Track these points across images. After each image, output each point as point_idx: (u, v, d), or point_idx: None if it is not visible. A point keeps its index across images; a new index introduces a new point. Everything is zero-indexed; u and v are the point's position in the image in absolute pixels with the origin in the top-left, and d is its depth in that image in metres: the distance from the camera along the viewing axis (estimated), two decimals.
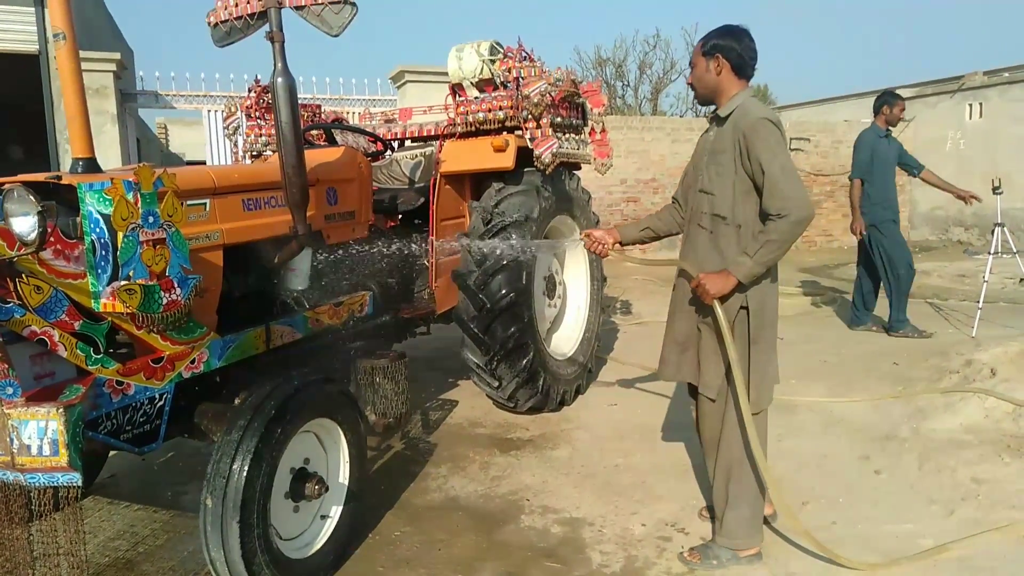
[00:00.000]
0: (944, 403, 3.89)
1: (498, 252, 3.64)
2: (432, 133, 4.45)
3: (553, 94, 3.97)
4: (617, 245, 2.96)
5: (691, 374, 2.74)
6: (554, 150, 3.92)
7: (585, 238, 2.99)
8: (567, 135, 4.20)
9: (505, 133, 4.02)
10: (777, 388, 4.47)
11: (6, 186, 2.10)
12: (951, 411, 3.79)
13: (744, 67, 2.57)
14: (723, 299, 2.51)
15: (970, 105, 12.63)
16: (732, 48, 2.54)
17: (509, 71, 3.95)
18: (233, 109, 4.65)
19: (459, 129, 4.11)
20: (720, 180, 2.54)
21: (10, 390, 1.94)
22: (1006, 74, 12.51)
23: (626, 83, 20.81)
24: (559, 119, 4.09)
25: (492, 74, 4.27)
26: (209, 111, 9.00)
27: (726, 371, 2.60)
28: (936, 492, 3.11)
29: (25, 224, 2.04)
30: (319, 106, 5.01)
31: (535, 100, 3.82)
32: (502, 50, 4.26)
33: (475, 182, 4.28)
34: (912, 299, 7.56)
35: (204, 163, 8.83)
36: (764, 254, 2.40)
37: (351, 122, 5.21)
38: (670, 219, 2.91)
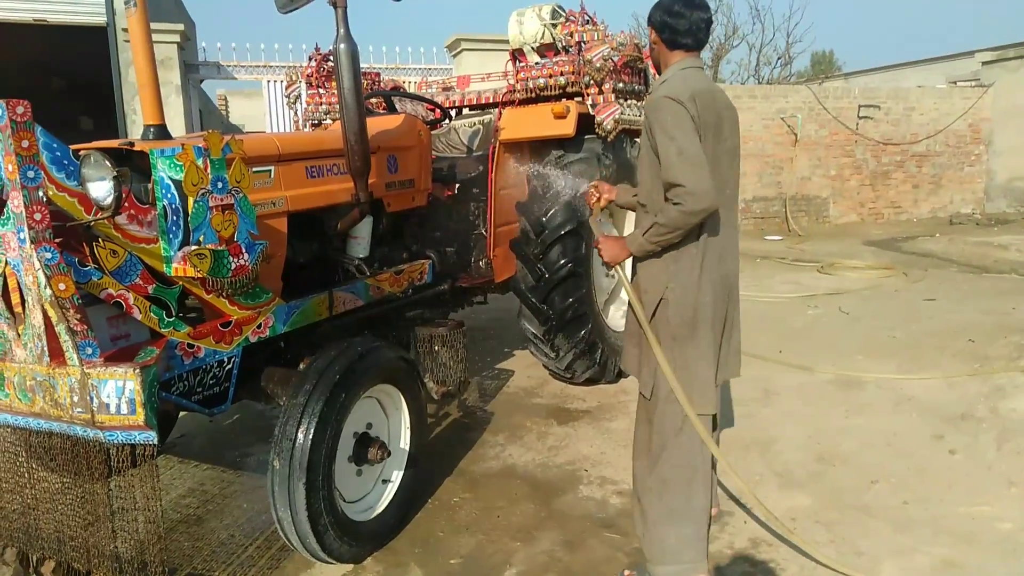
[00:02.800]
0: None
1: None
2: (491, 100, 4.39)
3: (616, 59, 3.86)
4: (613, 204, 2.67)
5: (636, 368, 2.44)
6: (616, 116, 3.83)
7: (591, 187, 2.69)
8: (629, 101, 4.09)
9: (566, 99, 3.94)
10: (844, 363, 4.41)
11: (82, 152, 2.15)
12: None
13: (674, 37, 2.28)
14: (643, 286, 2.32)
15: None
16: (655, 16, 2.31)
17: (571, 35, 3.87)
18: (294, 78, 4.68)
19: (519, 96, 4.05)
20: (641, 167, 2.35)
21: (89, 350, 2.00)
22: None
23: None
24: (621, 84, 3.98)
25: (553, 39, 4.18)
26: (269, 81, 9.11)
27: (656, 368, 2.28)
28: (1016, 474, 2.97)
29: (101, 189, 2.09)
30: (378, 74, 5.01)
31: (597, 65, 3.73)
32: (564, 14, 4.16)
33: (535, 150, 4.22)
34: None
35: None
36: (652, 235, 2.19)
37: (409, 91, 5.19)
38: None
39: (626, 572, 2.47)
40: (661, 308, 2.27)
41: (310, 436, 2.29)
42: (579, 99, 3.92)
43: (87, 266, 2.08)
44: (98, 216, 2.13)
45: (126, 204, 2.17)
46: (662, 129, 2.16)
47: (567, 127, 3.83)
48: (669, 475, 2.28)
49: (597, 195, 2.64)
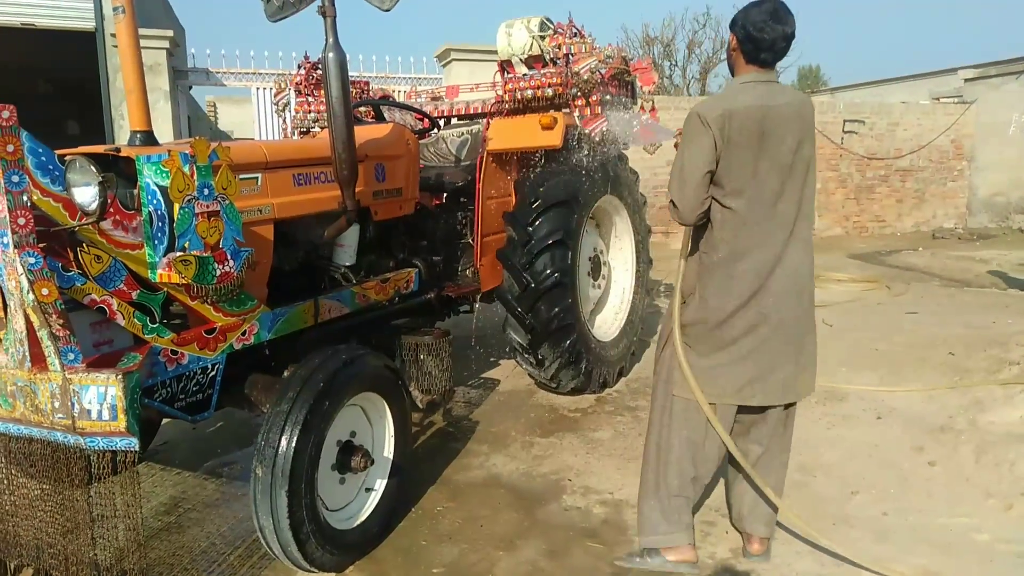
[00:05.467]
0: (1004, 395, 3.75)
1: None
2: (479, 111, 4.42)
3: (603, 71, 3.90)
4: None
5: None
6: (603, 128, 3.86)
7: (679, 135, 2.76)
8: (616, 113, 4.13)
9: (553, 111, 3.97)
10: (827, 375, 4.45)
11: (68, 157, 2.15)
12: (1011, 403, 3.65)
13: (754, 52, 2.29)
14: (684, 276, 2.52)
15: None
16: (739, 27, 2.31)
17: (559, 47, 3.89)
18: (283, 85, 4.69)
19: (507, 106, 4.07)
20: None
21: (71, 356, 1.99)
22: None
23: (674, 63, 20.43)
24: (609, 97, 4.02)
25: (541, 50, 4.22)
26: (258, 88, 9.10)
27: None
28: (994, 486, 3.01)
29: (87, 194, 2.09)
30: (367, 83, 5.02)
31: (585, 77, 3.76)
32: (552, 26, 4.20)
33: (522, 160, 4.24)
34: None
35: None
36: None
37: (397, 100, 5.21)
38: None
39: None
40: (685, 304, 2.49)
41: (293, 444, 2.28)
42: (567, 111, 3.95)
43: (71, 271, 2.08)
44: (83, 221, 2.12)
45: (111, 210, 2.17)
46: (682, 139, 2.36)
47: (554, 138, 3.86)
48: (648, 451, 2.54)
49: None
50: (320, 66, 2.76)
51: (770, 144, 2.26)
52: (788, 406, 2.48)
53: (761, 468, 2.51)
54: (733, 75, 2.44)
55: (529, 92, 3.95)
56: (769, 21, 2.24)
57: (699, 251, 2.44)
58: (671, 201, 2.38)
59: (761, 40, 2.26)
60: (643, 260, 4.87)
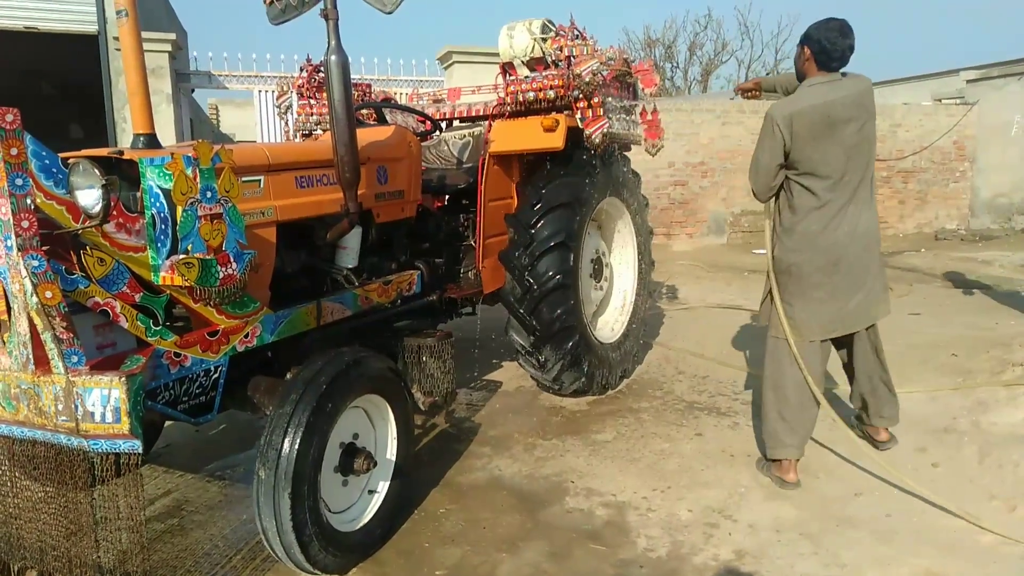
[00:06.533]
0: (1007, 396, 3.75)
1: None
2: (481, 113, 4.42)
3: (604, 73, 3.90)
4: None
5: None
6: (604, 130, 3.86)
7: (740, 91, 3.62)
8: (618, 115, 4.13)
9: (555, 113, 3.97)
10: (830, 376, 4.44)
11: (71, 160, 2.15)
12: (1014, 405, 3.64)
13: (826, 60, 2.88)
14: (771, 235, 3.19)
15: None
16: (814, 40, 2.88)
17: (561, 50, 3.89)
18: (285, 88, 4.70)
19: (509, 109, 4.08)
20: None
21: (75, 358, 1.99)
22: None
23: (675, 64, 20.45)
24: (611, 99, 4.02)
25: (543, 53, 4.22)
26: (260, 91, 9.12)
27: None
28: (997, 487, 3.00)
29: (90, 197, 2.10)
30: (369, 85, 5.03)
31: (587, 79, 3.76)
32: (554, 28, 4.20)
33: (524, 162, 4.25)
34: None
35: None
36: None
37: (399, 102, 5.21)
38: None
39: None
40: (775, 261, 3.12)
41: (296, 446, 2.29)
42: (568, 112, 3.95)
43: (74, 274, 2.08)
44: (86, 224, 2.13)
45: (114, 212, 2.17)
46: (759, 136, 2.99)
47: (556, 140, 3.86)
48: (766, 386, 3.20)
49: (745, 89, 3.67)
50: (322, 69, 2.77)
51: (838, 131, 2.83)
52: (869, 333, 3.20)
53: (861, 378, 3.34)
54: (801, 80, 3.03)
55: (531, 94, 3.95)
56: (839, 36, 2.84)
57: (780, 217, 3.09)
58: (752, 189, 3.13)
59: (833, 51, 2.85)
60: (645, 262, 4.86)
